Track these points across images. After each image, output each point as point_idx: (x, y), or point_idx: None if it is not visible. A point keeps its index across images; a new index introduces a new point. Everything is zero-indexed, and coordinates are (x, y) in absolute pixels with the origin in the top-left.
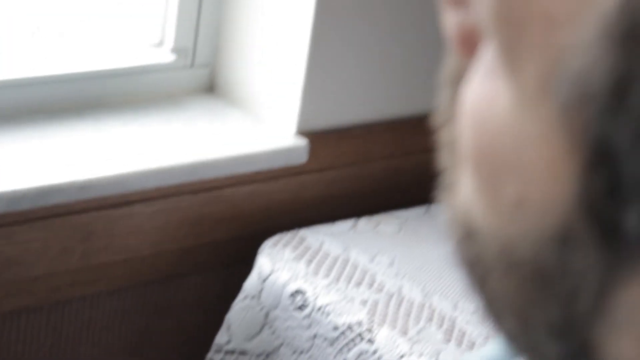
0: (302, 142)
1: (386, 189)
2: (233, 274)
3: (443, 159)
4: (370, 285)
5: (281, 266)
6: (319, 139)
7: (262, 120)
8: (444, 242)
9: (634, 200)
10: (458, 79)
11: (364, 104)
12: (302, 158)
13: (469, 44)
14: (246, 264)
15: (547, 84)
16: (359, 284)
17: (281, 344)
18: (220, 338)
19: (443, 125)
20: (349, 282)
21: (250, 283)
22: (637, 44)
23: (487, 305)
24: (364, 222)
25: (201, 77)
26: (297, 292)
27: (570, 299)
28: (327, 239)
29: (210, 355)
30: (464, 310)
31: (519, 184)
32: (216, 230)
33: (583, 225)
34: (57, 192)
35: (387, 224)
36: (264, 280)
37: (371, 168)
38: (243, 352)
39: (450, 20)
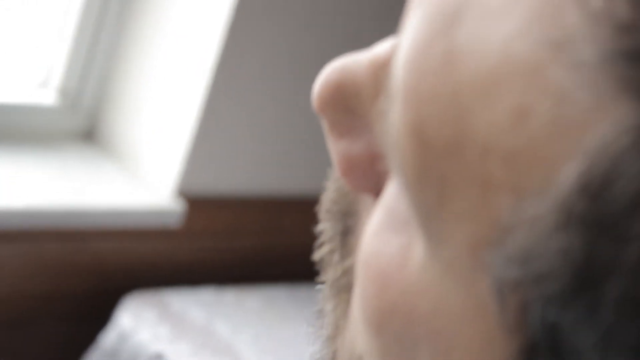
0: (179, 205)
1: (253, 262)
2: (87, 327)
3: (325, 298)
4: (233, 358)
5: (142, 326)
6: (196, 204)
7: (140, 177)
8: (306, 322)
9: None
10: (345, 211)
11: (245, 177)
12: (176, 221)
13: (358, 174)
14: (102, 319)
15: (479, 255)
16: (221, 354)
17: None
18: None
19: (329, 261)
20: (211, 351)
21: (108, 339)
22: (603, 231)
23: None
24: (228, 291)
25: (82, 123)
26: (156, 355)
27: None
28: (191, 303)
29: None
30: None
31: (433, 354)
32: (75, 280)
33: None
34: None
35: (251, 296)
36: (123, 339)
37: (242, 240)
38: None
39: (335, 148)
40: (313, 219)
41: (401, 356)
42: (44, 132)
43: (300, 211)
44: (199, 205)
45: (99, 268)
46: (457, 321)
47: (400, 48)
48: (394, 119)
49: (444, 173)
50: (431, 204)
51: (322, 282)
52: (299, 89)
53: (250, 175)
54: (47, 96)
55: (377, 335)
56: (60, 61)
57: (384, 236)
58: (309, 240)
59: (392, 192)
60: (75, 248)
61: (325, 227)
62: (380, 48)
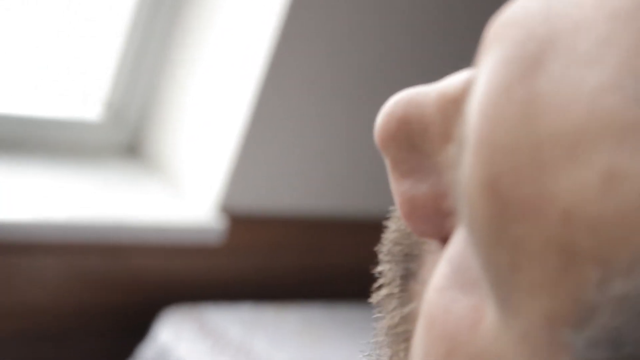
0: (221, 222)
1: (293, 281)
2: (127, 341)
3: (381, 344)
4: None
5: (181, 341)
6: (238, 221)
7: (183, 193)
8: (346, 341)
9: None
10: (406, 253)
11: (288, 195)
12: (218, 238)
13: (421, 218)
14: (141, 334)
15: (557, 332)
16: None
17: None
18: None
19: (387, 306)
20: None
21: (145, 353)
22: None
23: None
24: (267, 309)
25: (126, 138)
26: None
27: None
28: (230, 320)
29: None
30: None
31: None
32: (116, 294)
33: None
34: None
35: (290, 314)
36: (161, 353)
37: (283, 259)
38: None
39: (397, 189)
40: (354, 240)
41: None
42: (87, 147)
43: (342, 232)
44: (241, 223)
45: (140, 283)
46: None
47: (474, 91)
48: (465, 170)
49: (519, 236)
50: (504, 269)
51: (379, 326)
52: (345, 107)
53: (294, 194)
54: (91, 111)
55: None
56: (105, 77)
57: (452, 294)
58: (350, 261)
59: (460, 245)
60: (117, 262)
61: (385, 268)
62: (451, 82)
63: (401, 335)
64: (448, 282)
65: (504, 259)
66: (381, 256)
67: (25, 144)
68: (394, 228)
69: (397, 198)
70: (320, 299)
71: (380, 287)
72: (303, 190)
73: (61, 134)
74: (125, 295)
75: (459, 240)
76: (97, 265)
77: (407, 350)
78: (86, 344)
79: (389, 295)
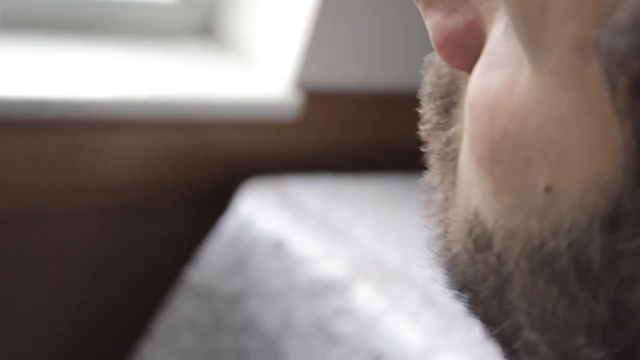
0: (297, 97)
1: (369, 153)
2: (209, 213)
3: (432, 172)
4: (353, 243)
5: (262, 212)
6: (314, 96)
7: (259, 70)
8: (423, 211)
9: None
10: (446, 90)
11: (363, 70)
12: (293, 113)
13: (454, 46)
14: (223, 206)
15: (586, 44)
16: (341, 240)
17: (253, 291)
18: (190, 276)
19: (433, 135)
20: (330, 237)
21: (227, 225)
22: None
23: (501, 317)
24: (347, 180)
25: (199, 19)
26: (277, 241)
27: (622, 292)
28: (310, 191)
29: (177, 291)
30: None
31: (547, 170)
32: (197, 168)
33: (636, 201)
34: (47, 105)
35: (368, 185)
36: (243, 225)
37: (359, 133)
38: (211, 294)
39: (430, 22)
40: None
41: (516, 182)
42: (161, 28)
43: (415, 105)
44: (317, 98)
45: (219, 158)
46: (569, 124)
47: None
48: None
49: None
50: (533, 12)
51: (429, 159)
52: None
53: (368, 68)
54: None
55: (490, 169)
56: None
57: (489, 73)
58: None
59: (493, 38)
60: (196, 138)
61: (427, 107)
62: None
63: (449, 155)
64: (485, 67)
65: (533, 3)
66: (423, 98)
67: (99, 26)
68: (431, 74)
69: (431, 30)
70: (397, 170)
71: (425, 122)
72: (378, 65)
73: (134, 16)
74: (205, 170)
75: (493, 36)
76: (177, 142)
77: (454, 168)
78: (169, 217)
79: (435, 126)
